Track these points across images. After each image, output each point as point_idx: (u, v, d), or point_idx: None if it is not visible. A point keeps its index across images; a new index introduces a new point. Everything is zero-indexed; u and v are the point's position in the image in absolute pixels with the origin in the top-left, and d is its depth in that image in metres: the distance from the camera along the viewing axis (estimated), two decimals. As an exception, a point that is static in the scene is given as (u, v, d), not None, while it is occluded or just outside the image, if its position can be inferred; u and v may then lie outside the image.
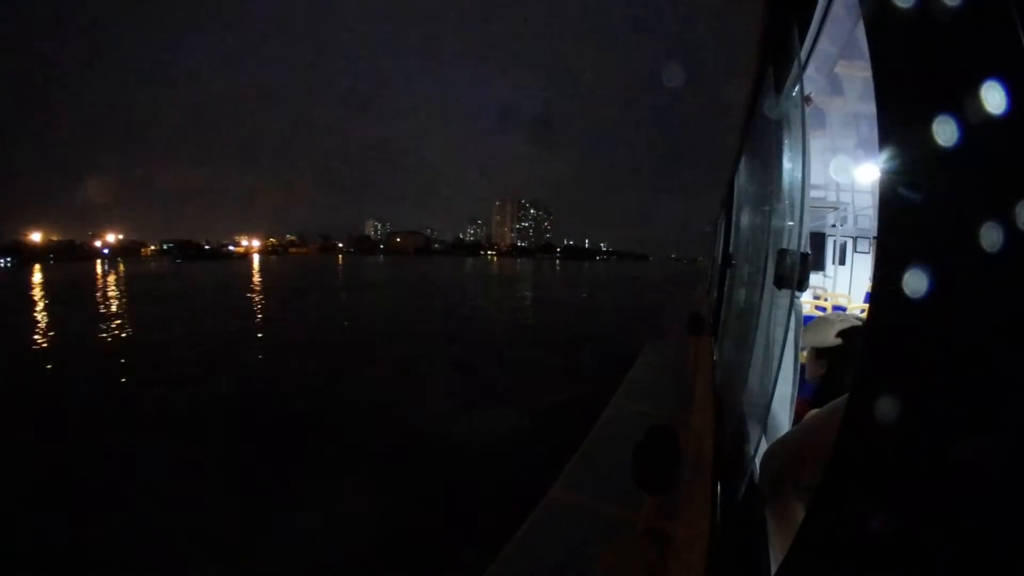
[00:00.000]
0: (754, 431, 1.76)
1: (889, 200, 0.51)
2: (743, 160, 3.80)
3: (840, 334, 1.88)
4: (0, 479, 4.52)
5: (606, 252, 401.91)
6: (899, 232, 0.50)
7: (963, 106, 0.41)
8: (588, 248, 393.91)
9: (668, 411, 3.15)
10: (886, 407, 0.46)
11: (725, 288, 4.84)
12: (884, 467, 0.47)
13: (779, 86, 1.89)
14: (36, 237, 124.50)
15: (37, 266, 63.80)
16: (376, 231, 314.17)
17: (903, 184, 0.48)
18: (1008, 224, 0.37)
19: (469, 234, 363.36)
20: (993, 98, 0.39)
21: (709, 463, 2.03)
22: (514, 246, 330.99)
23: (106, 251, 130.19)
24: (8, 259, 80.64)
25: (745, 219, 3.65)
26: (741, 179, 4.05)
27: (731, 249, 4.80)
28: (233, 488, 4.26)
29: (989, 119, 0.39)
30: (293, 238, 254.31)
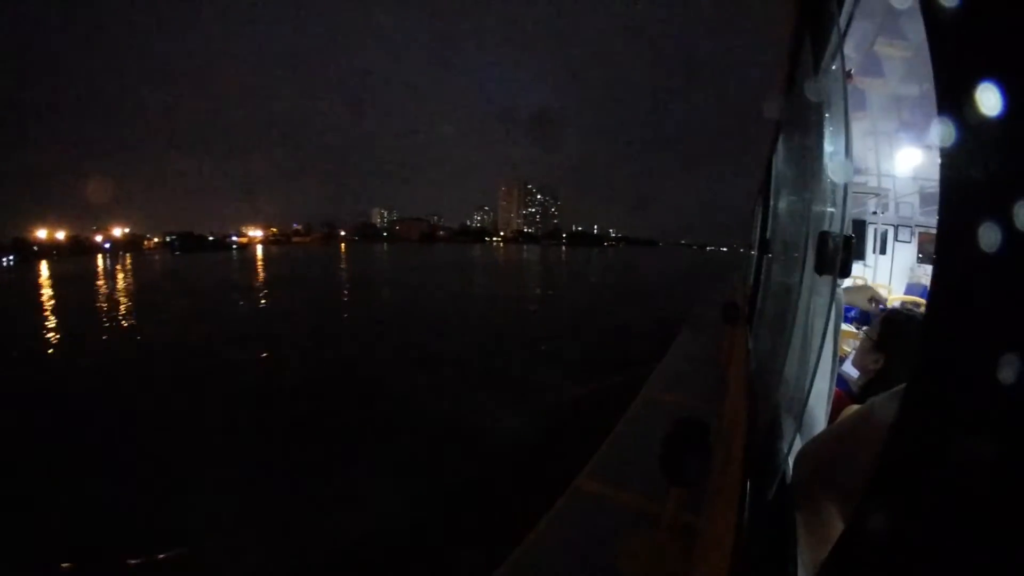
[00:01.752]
0: (788, 428, 1.75)
1: (950, 185, 0.46)
2: (780, 141, 3.74)
3: (886, 321, 1.89)
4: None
5: (615, 238, 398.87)
6: (964, 220, 0.44)
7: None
8: (596, 234, 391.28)
9: (700, 402, 3.17)
10: (945, 409, 0.43)
11: (762, 275, 4.79)
12: (940, 475, 0.43)
13: (817, 59, 1.87)
14: (41, 234, 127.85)
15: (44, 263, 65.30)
16: (383, 218, 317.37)
17: (965, 165, 0.43)
18: None
19: (476, 220, 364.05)
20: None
21: (739, 459, 2.05)
22: (521, 232, 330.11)
23: (107, 245, 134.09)
24: (10, 257, 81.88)
25: (784, 203, 3.61)
26: (779, 161, 3.99)
27: (768, 235, 4.74)
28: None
29: None
30: (300, 227, 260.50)
